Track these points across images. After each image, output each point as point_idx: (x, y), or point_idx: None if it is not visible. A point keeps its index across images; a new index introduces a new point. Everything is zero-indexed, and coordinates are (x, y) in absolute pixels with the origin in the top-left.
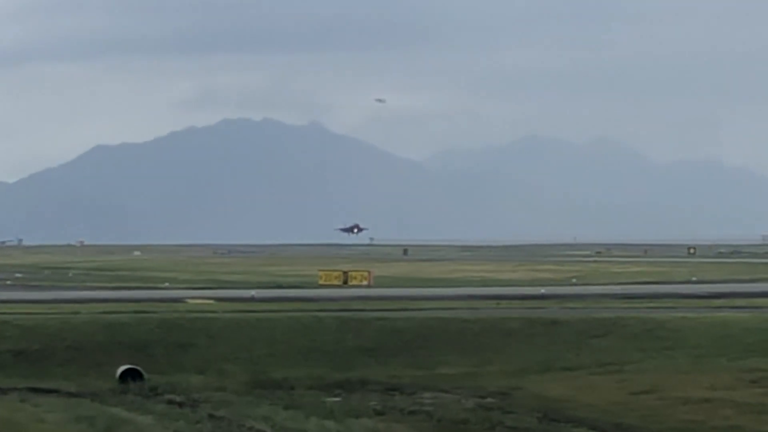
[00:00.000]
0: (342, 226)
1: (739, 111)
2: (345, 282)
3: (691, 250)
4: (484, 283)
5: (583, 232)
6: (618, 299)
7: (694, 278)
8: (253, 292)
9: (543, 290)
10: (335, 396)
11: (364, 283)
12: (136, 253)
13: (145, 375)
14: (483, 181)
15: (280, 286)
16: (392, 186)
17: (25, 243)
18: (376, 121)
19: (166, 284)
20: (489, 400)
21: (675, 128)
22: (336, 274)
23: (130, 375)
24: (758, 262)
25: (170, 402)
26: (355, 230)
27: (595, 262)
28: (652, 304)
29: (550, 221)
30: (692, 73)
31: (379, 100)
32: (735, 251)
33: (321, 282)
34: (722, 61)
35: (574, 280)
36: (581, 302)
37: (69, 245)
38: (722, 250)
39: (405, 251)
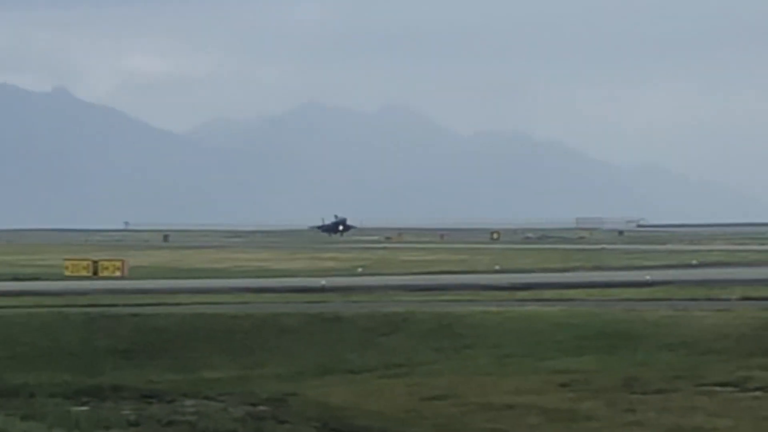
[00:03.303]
0: (321, 224)
1: (552, 78)
2: (95, 273)
3: (495, 235)
4: (257, 273)
5: (371, 214)
6: (410, 291)
7: (497, 267)
8: None
9: (324, 282)
10: (83, 405)
11: (117, 273)
12: None
13: None
14: (255, 155)
15: (18, 278)
16: (150, 161)
17: None
18: (132, 87)
19: None
20: (261, 408)
21: (479, 96)
22: (84, 263)
23: None
24: (570, 248)
25: None
26: (341, 227)
27: (384, 248)
28: (448, 297)
29: (328, 200)
30: (499, 36)
31: None
32: (544, 236)
33: (67, 273)
34: (532, 25)
35: (360, 270)
36: (368, 295)
37: None
38: (530, 235)
39: (165, 237)
